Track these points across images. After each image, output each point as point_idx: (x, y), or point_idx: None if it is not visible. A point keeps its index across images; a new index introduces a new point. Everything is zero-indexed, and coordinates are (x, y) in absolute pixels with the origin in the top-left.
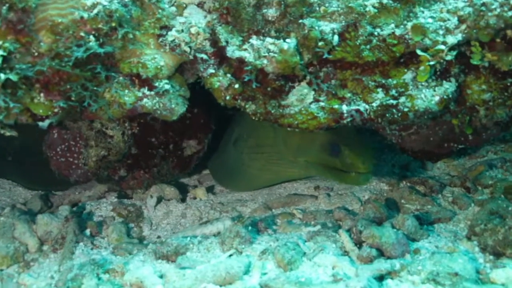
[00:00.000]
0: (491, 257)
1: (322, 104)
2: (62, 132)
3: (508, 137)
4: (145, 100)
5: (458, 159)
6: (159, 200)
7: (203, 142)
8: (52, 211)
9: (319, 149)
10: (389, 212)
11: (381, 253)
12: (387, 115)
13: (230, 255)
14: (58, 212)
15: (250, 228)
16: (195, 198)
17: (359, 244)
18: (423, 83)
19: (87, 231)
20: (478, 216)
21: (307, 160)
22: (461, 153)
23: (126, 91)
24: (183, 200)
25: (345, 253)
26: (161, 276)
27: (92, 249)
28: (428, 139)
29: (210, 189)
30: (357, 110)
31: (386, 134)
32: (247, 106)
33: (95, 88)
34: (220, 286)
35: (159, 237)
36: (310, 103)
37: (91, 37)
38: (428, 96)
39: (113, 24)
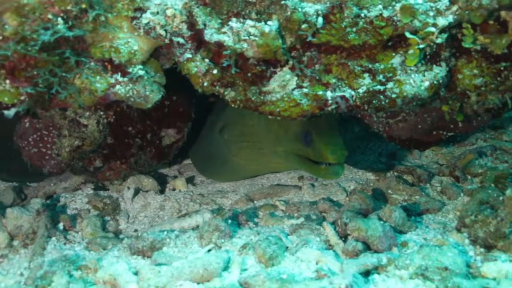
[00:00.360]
0: (482, 249)
1: (305, 90)
2: (34, 121)
3: (498, 124)
4: (118, 87)
5: (446, 147)
6: (137, 191)
7: (183, 131)
8: (24, 204)
9: (293, 138)
10: (376, 203)
11: (367, 247)
12: (374, 101)
13: (209, 250)
14: (29, 205)
15: (230, 221)
16: (174, 189)
17: (344, 237)
18: (412, 68)
19: (60, 225)
20: (468, 207)
21: (285, 150)
22: (450, 141)
23: (98, 77)
24: (161, 191)
25: (330, 247)
26: (136, 273)
27: (65, 244)
28: (416, 127)
29: (190, 180)
30: (343, 97)
31: (373, 122)
32: (226, 93)
33: (64, 74)
34: (198, 283)
35: (136, 230)
36: (293, 90)
37: (59, 20)
38: (417, 82)
39: (83, 6)
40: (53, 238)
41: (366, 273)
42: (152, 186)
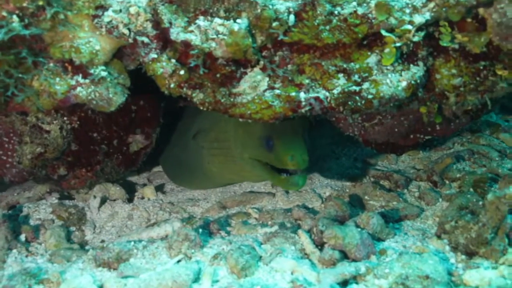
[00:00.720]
0: (463, 256)
1: (277, 91)
2: None
3: (474, 128)
4: (79, 89)
5: (423, 151)
6: (103, 200)
7: (151, 136)
8: None
9: (256, 143)
10: (352, 210)
11: (344, 255)
12: (349, 103)
13: (178, 261)
14: None
15: (201, 230)
16: (143, 198)
17: (320, 245)
18: (388, 67)
19: (22, 237)
20: (447, 212)
21: (250, 157)
22: (426, 145)
23: (58, 79)
24: (130, 200)
25: (305, 255)
26: (101, 286)
27: (26, 256)
28: (393, 130)
29: (159, 188)
30: (316, 98)
31: (348, 125)
32: (194, 95)
33: (20, 75)
34: None
35: (103, 241)
36: (264, 91)
37: (14, 17)
38: (394, 82)
39: (40, 3)
40: (14, 251)
41: (344, 283)
42: (120, 195)
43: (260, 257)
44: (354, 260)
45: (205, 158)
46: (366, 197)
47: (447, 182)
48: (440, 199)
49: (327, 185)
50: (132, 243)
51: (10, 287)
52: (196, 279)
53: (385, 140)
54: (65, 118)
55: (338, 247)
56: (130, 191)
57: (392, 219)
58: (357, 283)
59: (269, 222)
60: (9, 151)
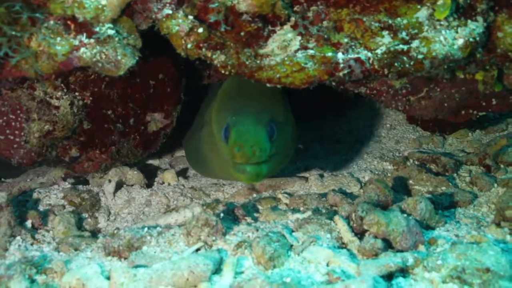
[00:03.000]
0: None
1: (311, 52)
2: None
3: None
4: (82, 49)
5: (473, 133)
6: (119, 185)
7: (171, 115)
8: None
9: (218, 134)
10: (395, 195)
11: (388, 245)
12: (395, 64)
13: (197, 250)
14: None
15: (223, 216)
16: (163, 183)
17: (360, 233)
18: (442, 22)
19: (28, 223)
20: (506, 198)
21: (219, 152)
22: (476, 127)
23: (58, 38)
24: (148, 185)
25: (343, 245)
26: (109, 277)
27: (32, 244)
28: (442, 105)
29: (181, 173)
30: (357, 59)
31: (390, 99)
32: (214, 56)
33: (14, 33)
34: None
35: (117, 229)
36: (296, 51)
37: None
38: (449, 39)
39: None
40: (18, 238)
41: (389, 276)
42: (138, 180)
43: (291, 245)
44: (400, 250)
45: (204, 153)
46: (410, 181)
47: (501, 166)
48: (495, 185)
49: (366, 169)
50: (145, 229)
51: (8, 277)
52: (217, 270)
53: (432, 117)
54: (76, 93)
55: (380, 235)
56: (150, 176)
57: (442, 206)
58: (404, 276)
59: (301, 208)
60: (17, 129)
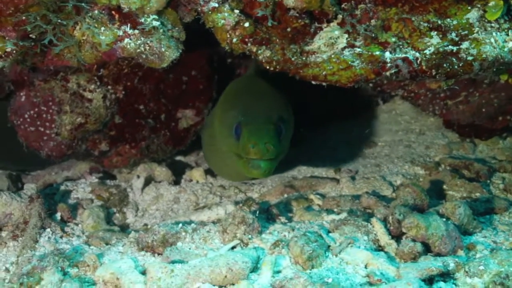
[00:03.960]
0: None
1: (358, 50)
2: (31, 95)
3: None
4: (126, 40)
5: (503, 141)
6: (148, 181)
7: (202, 112)
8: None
9: (228, 132)
10: (430, 200)
11: (426, 249)
12: (444, 65)
13: (233, 248)
14: (21, 191)
15: (258, 214)
16: (191, 180)
17: (396, 236)
18: (493, 24)
19: (57, 215)
20: None
21: (228, 150)
22: (494, 135)
23: (102, 28)
24: (176, 182)
25: (379, 247)
26: (143, 272)
27: (61, 237)
28: (480, 110)
29: (209, 171)
30: (404, 59)
31: (428, 102)
32: (259, 51)
33: (60, 21)
34: (220, 287)
35: (145, 225)
36: (343, 49)
37: None
38: (499, 41)
39: None
40: (48, 230)
41: (429, 280)
42: (166, 176)
43: (328, 246)
44: (439, 255)
45: (206, 154)
46: (444, 186)
47: None
48: None
49: (397, 173)
50: (180, 225)
51: (41, 268)
52: (255, 269)
53: (469, 122)
54: (109, 87)
55: (419, 239)
56: (176, 173)
57: (477, 212)
58: (444, 281)
59: (335, 209)
60: (47, 121)
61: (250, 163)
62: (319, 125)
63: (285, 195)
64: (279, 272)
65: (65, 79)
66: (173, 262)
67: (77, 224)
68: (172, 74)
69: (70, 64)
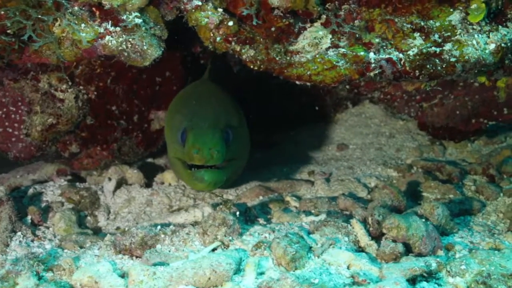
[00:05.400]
0: None
1: (342, 50)
2: (0, 95)
3: None
4: (108, 37)
5: (472, 144)
6: (119, 184)
7: None
8: None
9: (174, 138)
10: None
11: (407, 249)
12: (427, 66)
13: (214, 249)
14: None
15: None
16: (163, 183)
17: (375, 237)
18: (474, 26)
19: (28, 219)
20: None
21: (174, 156)
22: (474, 138)
23: (83, 25)
24: (148, 185)
25: (359, 248)
26: (122, 275)
27: (32, 240)
28: (454, 113)
29: None
30: (388, 60)
31: (403, 105)
32: (243, 51)
33: (40, 16)
34: None
35: (118, 228)
36: (327, 49)
37: None
38: (481, 43)
39: None
40: (19, 233)
41: (412, 281)
42: (137, 179)
43: (310, 247)
44: (419, 255)
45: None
46: (418, 188)
47: (505, 176)
48: (501, 194)
49: (371, 175)
50: (158, 227)
51: (15, 273)
52: (237, 270)
53: (444, 124)
54: (81, 87)
55: (400, 239)
56: (147, 176)
57: (452, 213)
58: (427, 281)
59: (313, 211)
60: (16, 122)
61: (194, 176)
62: (290, 129)
63: (261, 197)
64: (262, 273)
65: (36, 79)
66: (154, 264)
67: (48, 228)
68: (146, 75)
69: (49, 61)
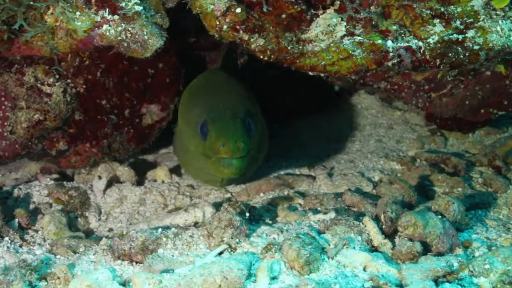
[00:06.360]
0: None
1: (359, 38)
2: None
3: None
4: (105, 27)
5: (473, 134)
6: (110, 182)
7: (168, 108)
8: None
9: (194, 131)
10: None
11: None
12: (449, 54)
13: (220, 253)
14: None
15: (243, 216)
16: (155, 180)
17: (388, 235)
18: (498, 12)
19: (15, 222)
20: None
21: (195, 150)
22: (475, 128)
23: (78, 13)
24: (139, 183)
25: (373, 248)
26: (123, 284)
27: (21, 246)
28: (463, 103)
29: (174, 170)
30: (408, 48)
31: (411, 95)
32: (252, 40)
33: (31, 3)
34: None
35: (111, 230)
36: (342, 37)
37: None
38: (505, 30)
39: None
40: (6, 238)
41: (434, 282)
42: (128, 176)
43: (323, 248)
44: (438, 254)
45: (179, 157)
46: (425, 182)
47: (511, 167)
48: (511, 187)
49: (374, 169)
50: (159, 230)
51: (6, 283)
52: (248, 276)
53: (452, 115)
54: (69, 80)
55: (417, 238)
56: (138, 173)
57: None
58: (449, 281)
59: (319, 208)
60: None
61: (221, 162)
62: (288, 121)
63: (262, 194)
64: (274, 278)
65: (21, 72)
66: (163, 271)
67: (37, 231)
68: (137, 66)
69: (41, 53)
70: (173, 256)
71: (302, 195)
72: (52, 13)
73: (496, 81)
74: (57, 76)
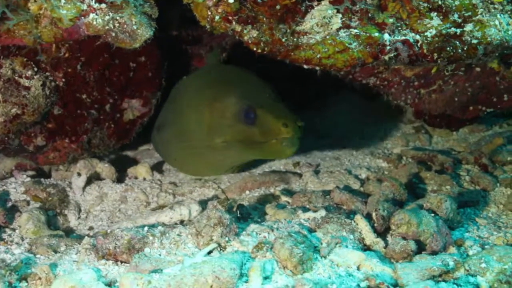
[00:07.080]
0: None
1: (355, 31)
2: None
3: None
4: (92, 15)
5: (457, 132)
6: (89, 179)
7: (150, 103)
8: None
9: (232, 120)
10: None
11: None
12: (447, 48)
13: (209, 252)
14: None
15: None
16: (136, 177)
17: (380, 234)
18: (496, 5)
19: None
20: None
21: (225, 140)
22: (463, 126)
23: (63, 1)
24: (119, 180)
25: (365, 246)
26: (108, 284)
27: None
28: (453, 99)
29: (155, 167)
30: (405, 42)
31: (401, 91)
32: (245, 31)
33: None
34: None
35: (91, 228)
36: (338, 30)
37: None
38: (504, 24)
39: None
40: None
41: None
42: (109, 173)
43: (315, 247)
44: (432, 252)
45: (173, 153)
46: (413, 179)
47: (497, 165)
48: (498, 184)
49: (360, 166)
50: (146, 228)
51: None
52: (240, 276)
53: (441, 112)
54: (47, 73)
55: (410, 236)
56: (117, 170)
57: None
58: (445, 281)
59: (307, 206)
60: None
61: (284, 142)
62: None
63: (247, 192)
64: (267, 278)
65: None
66: (153, 271)
67: (14, 230)
68: (118, 60)
69: (24, 43)
70: (160, 255)
71: (289, 192)
72: (35, 0)
73: (485, 77)
74: (35, 69)
